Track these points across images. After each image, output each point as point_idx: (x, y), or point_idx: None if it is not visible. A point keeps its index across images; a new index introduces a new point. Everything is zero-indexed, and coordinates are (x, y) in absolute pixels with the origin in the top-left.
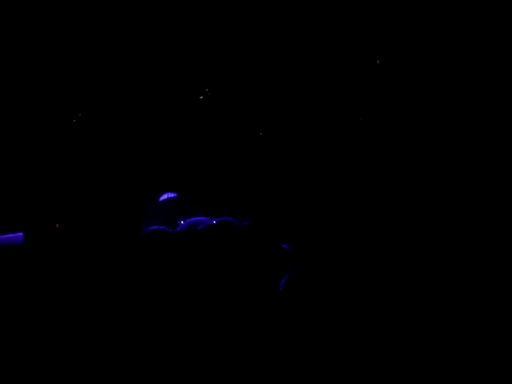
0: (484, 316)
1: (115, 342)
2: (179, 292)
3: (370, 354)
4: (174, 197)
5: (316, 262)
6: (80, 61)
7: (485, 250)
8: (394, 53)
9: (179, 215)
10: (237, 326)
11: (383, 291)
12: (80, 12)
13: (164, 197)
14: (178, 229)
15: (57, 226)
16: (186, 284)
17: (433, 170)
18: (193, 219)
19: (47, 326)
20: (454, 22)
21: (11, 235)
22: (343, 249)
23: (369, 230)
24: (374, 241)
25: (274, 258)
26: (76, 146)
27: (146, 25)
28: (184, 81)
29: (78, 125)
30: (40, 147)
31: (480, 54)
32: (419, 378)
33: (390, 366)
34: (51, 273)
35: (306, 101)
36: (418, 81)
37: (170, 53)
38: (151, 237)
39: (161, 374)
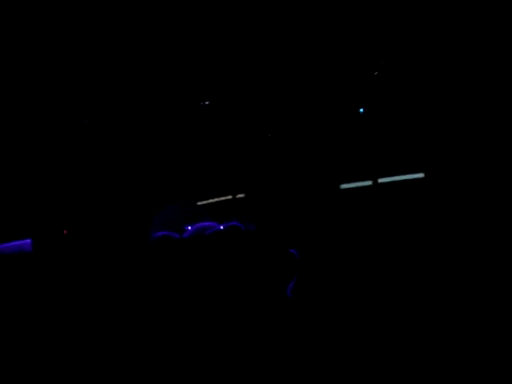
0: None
1: (121, 345)
2: (187, 297)
3: (374, 357)
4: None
5: (323, 265)
6: (94, 76)
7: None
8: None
9: (186, 221)
10: (244, 331)
11: (388, 293)
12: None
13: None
14: (185, 234)
15: (65, 232)
16: (194, 289)
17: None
18: (200, 225)
19: (54, 331)
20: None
21: (18, 242)
22: (350, 252)
23: (372, 233)
24: (378, 244)
25: (282, 262)
26: (85, 153)
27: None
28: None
29: (88, 132)
30: (48, 154)
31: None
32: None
33: (392, 367)
34: (59, 279)
35: (308, 107)
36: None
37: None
38: (158, 243)
39: (162, 377)
